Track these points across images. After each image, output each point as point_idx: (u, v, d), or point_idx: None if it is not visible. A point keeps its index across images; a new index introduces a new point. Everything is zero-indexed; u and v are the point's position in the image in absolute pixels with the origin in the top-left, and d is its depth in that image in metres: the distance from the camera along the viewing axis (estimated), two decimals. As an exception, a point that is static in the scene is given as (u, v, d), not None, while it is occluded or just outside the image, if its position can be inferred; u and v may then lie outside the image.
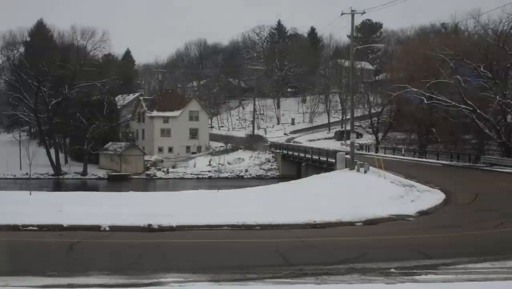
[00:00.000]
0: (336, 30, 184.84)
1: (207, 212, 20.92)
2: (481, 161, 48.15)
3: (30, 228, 17.50)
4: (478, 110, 47.09)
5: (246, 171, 70.03)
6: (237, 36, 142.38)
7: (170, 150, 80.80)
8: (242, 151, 78.32)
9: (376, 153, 62.68)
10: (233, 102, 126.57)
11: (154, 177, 69.16)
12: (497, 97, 45.66)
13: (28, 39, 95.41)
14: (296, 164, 62.66)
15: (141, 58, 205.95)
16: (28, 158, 32.81)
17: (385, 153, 62.08)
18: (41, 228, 17.58)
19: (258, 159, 73.34)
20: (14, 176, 65.95)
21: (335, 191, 30.79)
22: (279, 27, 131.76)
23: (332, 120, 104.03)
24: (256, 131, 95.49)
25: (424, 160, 54.62)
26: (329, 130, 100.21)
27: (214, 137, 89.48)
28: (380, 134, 74.97)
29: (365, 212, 21.35)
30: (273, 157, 72.92)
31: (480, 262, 13.52)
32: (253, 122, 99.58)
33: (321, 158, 51.35)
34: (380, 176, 35.15)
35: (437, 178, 34.99)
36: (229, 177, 66.85)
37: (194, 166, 71.87)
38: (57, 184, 63.81)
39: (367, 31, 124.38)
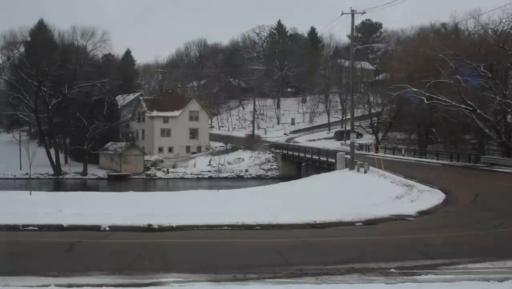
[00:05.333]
0: (336, 30, 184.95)
1: (207, 212, 20.92)
2: (481, 161, 48.15)
3: (30, 228, 17.50)
4: (478, 110, 47.05)
5: (246, 171, 70.00)
6: (237, 36, 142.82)
7: (170, 150, 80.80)
8: (242, 151, 78.29)
9: (376, 152, 62.66)
10: (233, 102, 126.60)
11: (154, 177, 69.12)
12: (497, 97, 45.61)
13: (29, 39, 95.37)
14: (296, 164, 62.62)
15: (141, 58, 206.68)
16: (28, 158, 32.75)
17: (385, 153, 62.07)
18: (41, 228, 17.59)
19: (258, 159, 73.31)
20: (14, 176, 65.91)
21: (335, 191, 30.79)
22: (279, 27, 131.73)
23: (332, 120, 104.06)
24: (256, 131, 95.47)
25: (424, 160, 54.61)
26: (329, 130, 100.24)
27: (214, 137, 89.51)
28: (380, 134, 74.96)
29: (365, 212, 21.34)
30: (273, 157, 72.90)
31: (480, 262, 13.52)
32: (253, 122, 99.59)
33: (321, 158, 51.33)
34: (380, 176, 35.16)
35: (437, 178, 34.97)
36: (229, 177, 66.80)
37: (194, 166, 71.84)
38: (57, 184, 63.77)
39: (367, 31, 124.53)
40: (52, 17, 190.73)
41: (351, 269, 12.67)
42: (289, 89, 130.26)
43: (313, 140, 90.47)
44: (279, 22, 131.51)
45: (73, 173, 70.02)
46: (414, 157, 57.58)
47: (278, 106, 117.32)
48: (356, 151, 48.32)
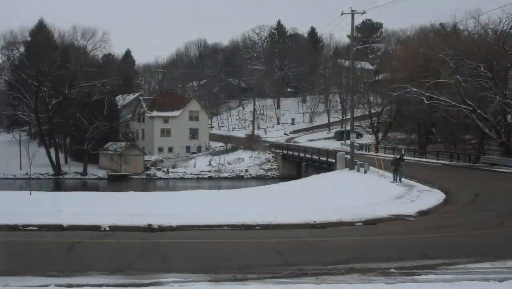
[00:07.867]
0: (336, 30, 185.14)
1: (207, 212, 20.92)
2: (481, 161, 48.13)
3: (30, 228, 17.51)
4: (478, 110, 47.05)
5: (246, 171, 69.98)
6: (237, 36, 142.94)
7: (170, 150, 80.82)
8: (242, 151, 78.29)
9: (376, 152, 62.64)
10: (233, 102, 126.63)
11: (154, 177, 69.12)
12: (497, 97, 45.61)
13: (29, 39, 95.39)
14: (296, 164, 62.62)
15: (141, 58, 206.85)
16: (28, 158, 32.77)
17: (385, 153, 62.03)
18: (41, 228, 17.59)
19: (258, 159, 73.29)
20: (14, 176, 65.90)
21: (335, 191, 30.80)
22: (279, 27, 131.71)
23: (332, 120, 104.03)
24: (256, 131, 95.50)
25: (424, 159, 54.58)
26: (329, 130, 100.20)
27: (214, 137, 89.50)
28: (380, 134, 74.96)
29: (365, 212, 21.35)
30: (273, 157, 72.89)
31: (480, 262, 13.52)
32: (253, 122, 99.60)
33: (321, 158, 51.33)
34: (380, 176, 35.16)
35: (437, 178, 34.97)
36: (229, 177, 66.78)
37: (194, 166, 71.82)
38: (57, 184, 63.76)
39: (367, 31, 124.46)
40: (52, 17, 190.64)
41: (351, 269, 12.67)
42: (289, 89, 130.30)
43: (313, 140, 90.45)
44: (279, 22, 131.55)
45: (73, 173, 69.99)
46: (414, 157, 57.52)
47: (278, 106, 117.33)
48: (356, 151, 48.33)
